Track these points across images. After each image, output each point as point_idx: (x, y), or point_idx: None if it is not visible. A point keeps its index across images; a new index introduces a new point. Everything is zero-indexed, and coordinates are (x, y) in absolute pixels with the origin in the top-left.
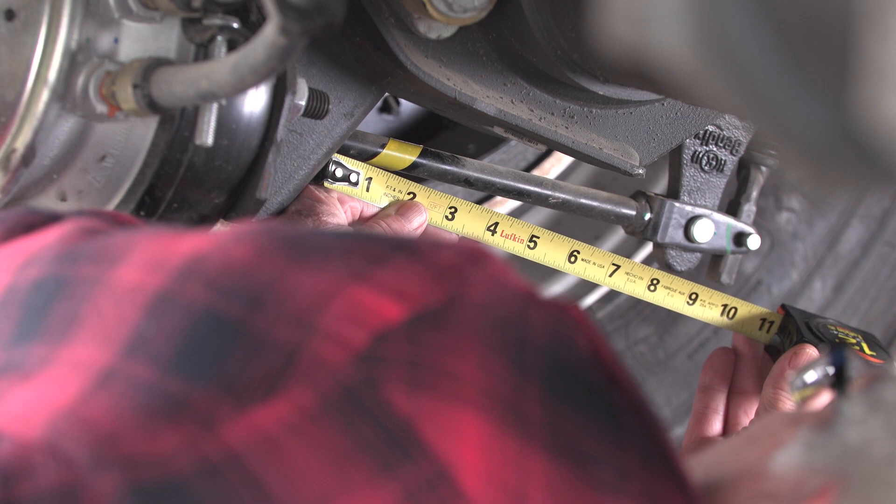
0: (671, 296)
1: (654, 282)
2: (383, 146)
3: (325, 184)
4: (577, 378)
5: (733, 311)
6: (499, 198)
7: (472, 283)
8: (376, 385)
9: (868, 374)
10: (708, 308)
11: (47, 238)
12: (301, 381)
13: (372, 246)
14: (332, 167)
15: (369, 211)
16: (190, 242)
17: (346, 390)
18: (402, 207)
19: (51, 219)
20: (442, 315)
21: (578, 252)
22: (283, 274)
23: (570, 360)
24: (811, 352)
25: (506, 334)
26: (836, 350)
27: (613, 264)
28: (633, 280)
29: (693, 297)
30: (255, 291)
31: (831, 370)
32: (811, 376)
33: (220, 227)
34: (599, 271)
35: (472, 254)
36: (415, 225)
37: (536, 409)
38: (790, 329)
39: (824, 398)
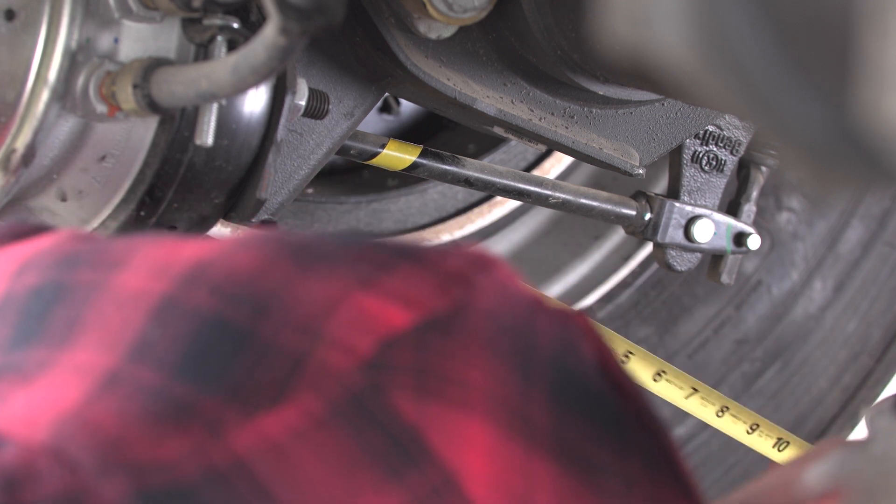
0: (735, 423)
1: (724, 409)
2: (383, 146)
3: None
4: (584, 386)
5: (785, 444)
6: (499, 198)
7: (480, 289)
8: (383, 392)
9: None
10: (763, 438)
11: (41, 244)
12: (308, 387)
13: (379, 253)
14: None
15: None
16: (194, 249)
17: (353, 397)
18: None
19: (40, 229)
20: (449, 322)
21: (665, 372)
22: (289, 281)
23: (577, 367)
24: None
25: (513, 341)
26: None
27: (692, 388)
28: (706, 405)
29: (754, 427)
30: (261, 298)
31: None
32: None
33: (221, 228)
34: (678, 393)
35: (479, 260)
36: None
37: (543, 416)
38: None
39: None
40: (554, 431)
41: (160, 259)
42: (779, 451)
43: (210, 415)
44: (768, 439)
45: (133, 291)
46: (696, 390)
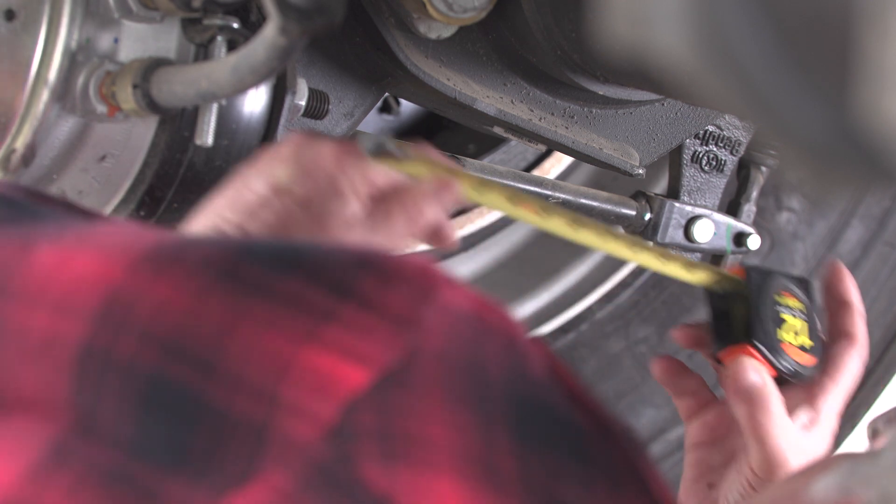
0: (650, 255)
1: (635, 244)
2: None
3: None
4: (541, 409)
5: (692, 267)
6: None
7: (428, 328)
8: (351, 462)
9: None
10: (675, 265)
11: None
12: (274, 462)
13: (317, 290)
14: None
15: (382, 180)
16: (87, 267)
17: (321, 469)
18: (438, 185)
19: None
20: (404, 375)
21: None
22: (228, 329)
23: (532, 390)
24: (747, 367)
25: (467, 380)
26: None
27: (612, 233)
28: (620, 244)
29: (665, 255)
30: (203, 352)
31: None
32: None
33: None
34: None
35: (423, 288)
36: (445, 209)
37: (508, 460)
38: (740, 304)
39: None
40: (520, 474)
41: (54, 285)
42: (689, 273)
43: (177, 501)
44: (678, 263)
45: (41, 335)
46: (614, 235)
